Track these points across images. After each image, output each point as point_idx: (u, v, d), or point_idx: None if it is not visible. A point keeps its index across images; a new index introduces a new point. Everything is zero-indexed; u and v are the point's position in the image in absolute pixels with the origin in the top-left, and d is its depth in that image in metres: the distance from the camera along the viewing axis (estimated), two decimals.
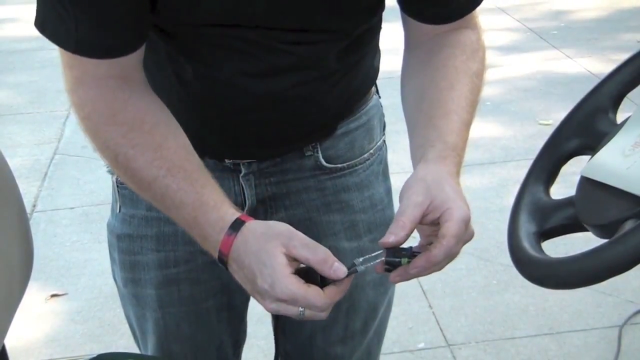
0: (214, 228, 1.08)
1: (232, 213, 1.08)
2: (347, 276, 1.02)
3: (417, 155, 1.12)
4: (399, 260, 1.03)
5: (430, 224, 1.05)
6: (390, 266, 1.04)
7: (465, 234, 1.04)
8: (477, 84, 1.20)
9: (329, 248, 1.04)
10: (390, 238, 1.02)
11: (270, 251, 1.02)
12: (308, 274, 1.02)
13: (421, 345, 2.76)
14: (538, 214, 1.12)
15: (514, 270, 1.06)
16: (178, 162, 1.11)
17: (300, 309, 1.02)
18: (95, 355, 1.28)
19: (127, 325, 1.54)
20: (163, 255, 1.36)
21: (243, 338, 1.56)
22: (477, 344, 2.75)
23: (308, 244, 1.03)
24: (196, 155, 1.14)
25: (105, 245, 1.44)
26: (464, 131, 1.15)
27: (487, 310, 2.92)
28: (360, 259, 1.04)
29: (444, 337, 2.79)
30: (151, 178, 1.10)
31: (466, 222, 1.03)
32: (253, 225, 1.07)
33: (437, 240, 1.02)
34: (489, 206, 3.57)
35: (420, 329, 2.84)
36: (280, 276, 1.00)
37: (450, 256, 1.03)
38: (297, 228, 1.06)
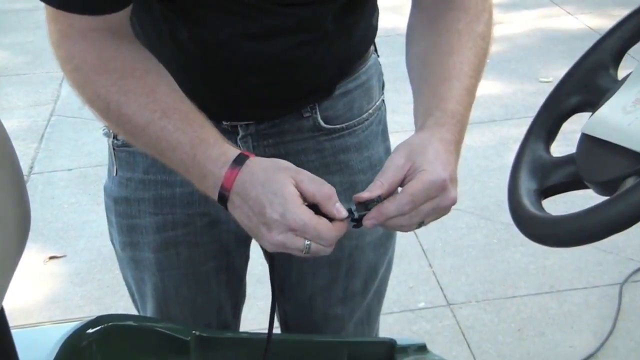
0: (215, 164, 1.05)
1: (233, 149, 1.07)
2: (346, 219, 1.03)
3: (418, 124, 1.11)
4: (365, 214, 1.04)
5: None
6: (359, 222, 1.05)
7: (442, 198, 1.03)
8: (482, 47, 1.19)
9: None
10: (364, 194, 1.02)
11: (281, 181, 1.01)
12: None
13: (421, 304, 2.77)
14: (538, 172, 1.11)
15: (515, 229, 1.05)
16: (173, 104, 1.09)
17: (307, 242, 1.00)
18: (94, 317, 1.27)
19: (126, 288, 1.53)
20: (161, 218, 1.35)
21: (242, 299, 1.56)
22: (478, 302, 2.76)
23: (315, 179, 1.03)
24: (189, 101, 1.11)
25: (104, 206, 1.43)
26: (466, 96, 1.13)
27: (487, 269, 2.93)
28: (354, 207, 1.04)
29: (444, 296, 2.80)
30: (145, 122, 1.08)
31: (436, 186, 1.02)
32: (258, 159, 1.05)
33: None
34: (489, 164, 3.56)
35: (421, 288, 2.85)
36: (292, 205, 0.99)
37: (406, 214, 1.02)
38: None
